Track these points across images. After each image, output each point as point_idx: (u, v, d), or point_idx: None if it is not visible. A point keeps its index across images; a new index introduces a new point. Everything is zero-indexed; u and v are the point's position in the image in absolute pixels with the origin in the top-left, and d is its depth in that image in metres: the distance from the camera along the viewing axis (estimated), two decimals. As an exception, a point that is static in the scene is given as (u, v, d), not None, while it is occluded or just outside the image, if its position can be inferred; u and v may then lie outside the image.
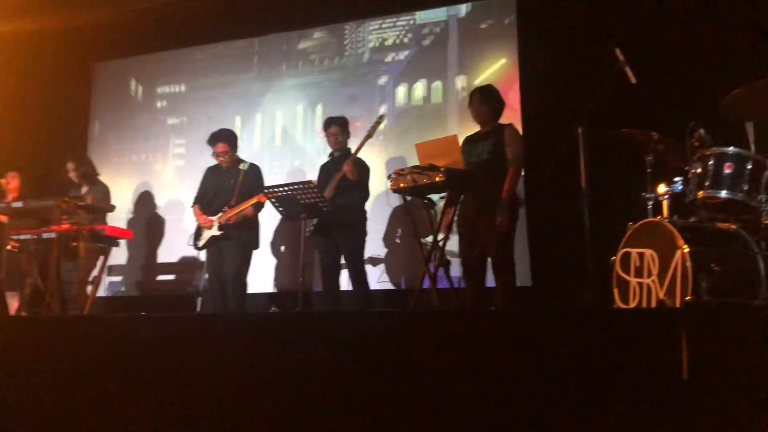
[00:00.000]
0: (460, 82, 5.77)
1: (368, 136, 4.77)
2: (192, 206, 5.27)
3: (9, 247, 5.24)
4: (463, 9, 5.88)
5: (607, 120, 3.90)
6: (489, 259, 4.20)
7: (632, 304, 3.27)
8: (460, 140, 4.33)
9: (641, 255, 3.29)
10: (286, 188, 4.45)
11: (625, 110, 4.29)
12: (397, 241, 5.66)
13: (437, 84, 5.83)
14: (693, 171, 3.24)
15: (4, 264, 5.61)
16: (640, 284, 3.28)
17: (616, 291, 3.41)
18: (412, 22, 5.93)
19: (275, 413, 1.85)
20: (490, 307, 4.15)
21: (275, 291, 6.06)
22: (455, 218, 4.30)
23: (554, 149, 3.74)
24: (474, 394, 1.72)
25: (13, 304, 5.46)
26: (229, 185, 5.08)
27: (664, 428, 1.53)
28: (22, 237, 5.08)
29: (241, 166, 5.13)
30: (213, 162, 5.28)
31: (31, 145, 6.88)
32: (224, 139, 5.11)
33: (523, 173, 4.92)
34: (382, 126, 4.93)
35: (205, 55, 6.75)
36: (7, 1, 5.80)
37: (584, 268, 3.44)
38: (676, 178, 3.38)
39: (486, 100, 4.34)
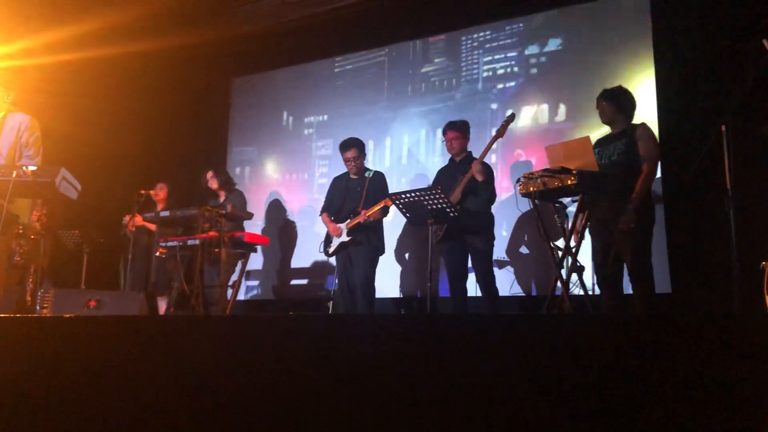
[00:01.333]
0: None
1: (498, 136, 4.72)
2: (320, 214, 5.46)
3: (158, 254, 5.63)
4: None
5: (753, 116, 3.65)
6: (625, 265, 4.03)
7: (787, 313, 3.04)
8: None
9: (796, 260, 3.05)
10: (412, 194, 4.48)
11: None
12: (524, 248, 5.55)
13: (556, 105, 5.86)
14: None
15: (154, 269, 6.04)
16: (796, 291, 3.04)
17: (768, 298, 3.18)
18: (522, 52, 6.16)
19: (403, 415, 1.87)
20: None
21: (401, 296, 6.12)
22: (587, 222, 4.17)
23: (696, 149, 3.55)
24: (613, 403, 1.66)
25: (161, 306, 5.85)
26: (356, 192, 5.24)
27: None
28: (169, 244, 5.40)
29: (366, 174, 5.30)
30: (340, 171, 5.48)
31: (177, 157, 7.37)
32: (354, 145, 5.30)
33: (660, 174, 4.71)
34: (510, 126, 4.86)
35: (343, 81, 7.18)
36: (150, 22, 6.23)
37: (730, 275, 3.22)
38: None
39: (612, 99, 4.18)
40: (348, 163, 5.31)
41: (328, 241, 5.30)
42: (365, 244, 5.11)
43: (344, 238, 5.14)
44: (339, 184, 5.44)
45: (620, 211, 3.96)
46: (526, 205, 4.60)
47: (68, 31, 5.63)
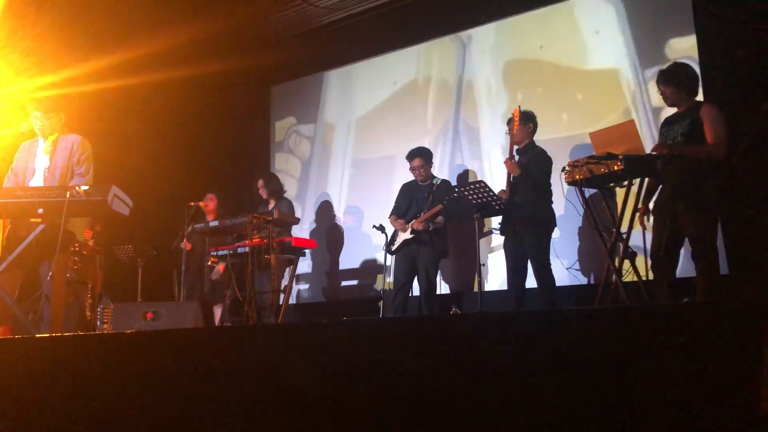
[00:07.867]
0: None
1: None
2: (389, 217, 5.59)
3: (209, 263, 5.72)
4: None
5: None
6: (682, 250, 3.90)
7: None
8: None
9: None
10: (457, 191, 4.47)
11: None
12: (575, 236, 5.46)
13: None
14: None
15: (208, 279, 6.15)
16: None
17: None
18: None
19: (460, 416, 1.86)
20: (684, 299, 3.86)
21: (449, 292, 6.09)
22: (639, 207, 4.08)
23: (743, 130, 3.44)
24: (676, 399, 1.62)
25: (217, 314, 5.94)
26: (422, 198, 5.40)
27: None
28: (220, 253, 5.50)
29: (434, 181, 5.45)
30: (407, 179, 5.65)
31: (224, 168, 7.49)
32: (419, 154, 5.47)
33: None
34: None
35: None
36: (189, 45, 6.35)
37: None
38: None
39: (669, 80, 3.98)
40: (414, 171, 5.48)
41: (393, 239, 5.45)
42: (430, 246, 5.25)
43: (407, 235, 5.30)
44: (407, 190, 5.61)
45: (683, 192, 3.79)
46: (573, 192, 4.51)
47: (112, 59, 5.81)
